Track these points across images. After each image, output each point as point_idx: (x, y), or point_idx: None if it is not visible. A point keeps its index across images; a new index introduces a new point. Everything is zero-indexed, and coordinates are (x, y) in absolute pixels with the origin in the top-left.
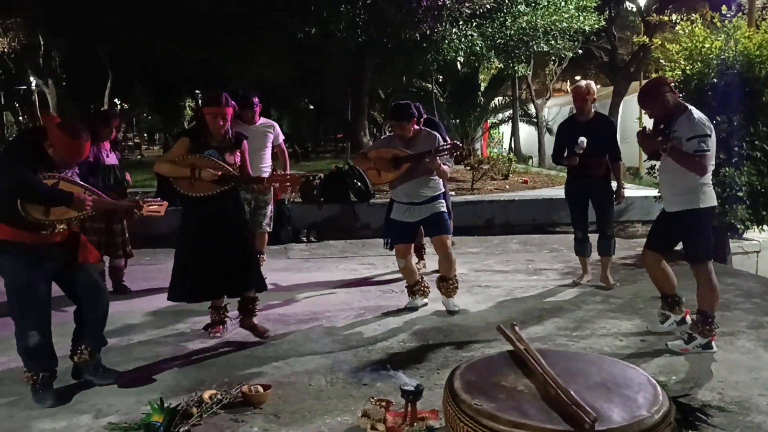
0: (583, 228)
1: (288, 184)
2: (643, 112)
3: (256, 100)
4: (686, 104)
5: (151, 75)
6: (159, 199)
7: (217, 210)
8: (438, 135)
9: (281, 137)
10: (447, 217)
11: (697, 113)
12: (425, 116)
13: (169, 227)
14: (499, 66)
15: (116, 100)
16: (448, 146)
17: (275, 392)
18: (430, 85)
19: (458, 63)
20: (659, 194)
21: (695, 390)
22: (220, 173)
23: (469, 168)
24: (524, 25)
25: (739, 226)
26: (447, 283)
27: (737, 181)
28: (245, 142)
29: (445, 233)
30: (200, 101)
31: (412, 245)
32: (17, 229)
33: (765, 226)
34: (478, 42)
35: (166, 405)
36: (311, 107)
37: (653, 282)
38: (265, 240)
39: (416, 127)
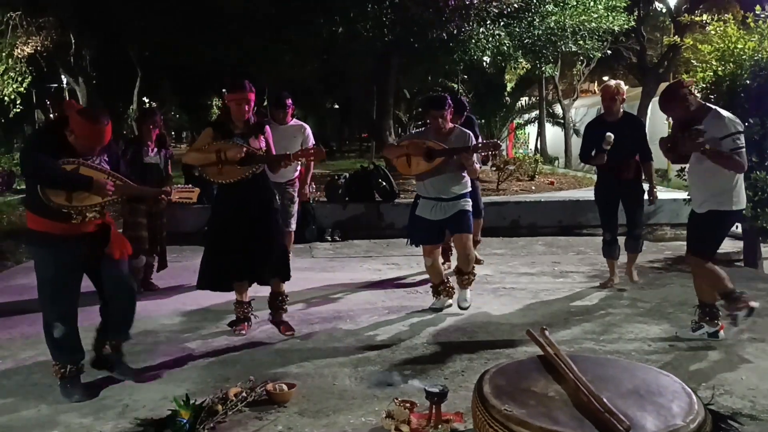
0: (612, 230)
1: (312, 157)
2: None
3: (289, 101)
4: (709, 105)
5: (180, 74)
6: (190, 186)
7: (247, 197)
8: (471, 135)
9: (311, 140)
10: (471, 216)
11: (724, 112)
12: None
13: (196, 225)
14: (526, 66)
15: (145, 98)
16: (489, 144)
17: (299, 391)
18: (455, 85)
19: (485, 63)
20: (689, 196)
21: (726, 397)
22: (245, 149)
23: (494, 169)
24: (552, 24)
25: None
26: (462, 276)
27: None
28: (267, 127)
29: (467, 232)
30: (225, 91)
31: (440, 246)
32: (46, 219)
33: None
34: (506, 42)
35: (191, 401)
36: (336, 107)
37: (699, 289)
38: (290, 239)
39: (450, 124)
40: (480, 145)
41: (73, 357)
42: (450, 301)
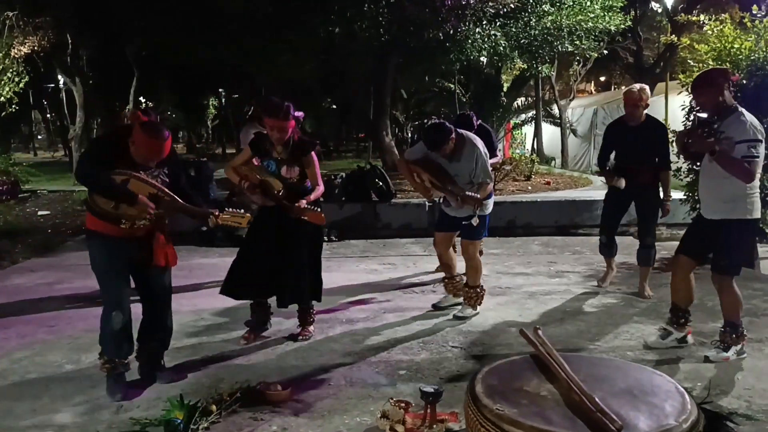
0: (609, 233)
1: (314, 221)
2: (693, 102)
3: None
4: (738, 105)
5: (177, 74)
6: (242, 210)
7: (278, 217)
8: (480, 150)
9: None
10: (485, 222)
11: (749, 116)
12: (478, 123)
13: (193, 224)
14: (522, 66)
15: (141, 98)
16: (474, 197)
17: (294, 391)
18: (452, 85)
19: (481, 63)
20: (697, 197)
21: (721, 397)
22: (257, 186)
23: (492, 169)
24: (549, 24)
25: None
26: (470, 291)
27: (766, 185)
28: (313, 153)
29: (473, 239)
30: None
31: (452, 237)
32: (98, 220)
33: None
34: (502, 42)
35: (186, 401)
36: (334, 107)
37: (673, 290)
38: None
39: (453, 143)
40: (465, 196)
41: (123, 351)
42: (456, 300)
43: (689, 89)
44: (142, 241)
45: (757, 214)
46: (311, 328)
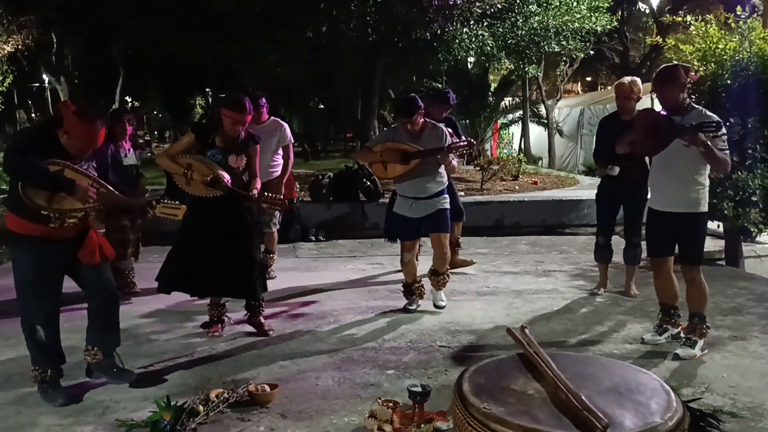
0: (607, 234)
1: (277, 208)
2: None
3: (263, 100)
4: (696, 105)
5: (163, 73)
6: (177, 202)
7: (217, 210)
8: (443, 128)
9: (288, 138)
10: (448, 215)
11: (709, 113)
12: (445, 116)
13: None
14: (509, 66)
15: (128, 97)
16: (463, 144)
17: (282, 391)
18: (440, 85)
19: (469, 63)
20: (655, 193)
21: (707, 395)
22: (209, 178)
23: (478, 168)
24: (535, 25)
25: (752, 230)
26: (438, 277)
27: (750, 184)
28: (258, 146)
29: (444, 231)
30: (221, 101)
31: (418, 241)
32: (26, 221)
33: None
34: (489, 42)
35: (172, 403)
36: (322, 106)
37: (659, 292)
38: (274, 239)
39: (420, 123)
40: (454, 145)
41: (54, 361)
42: (421, 301)
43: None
44: (73, 242)
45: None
46: (267, 322)
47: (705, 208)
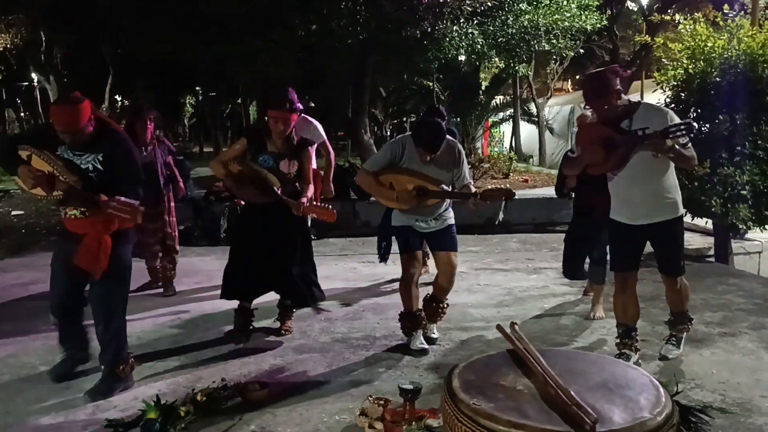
0: (572, 274)
1: (325, 218)
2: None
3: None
4: (637, 99)
5: (153, 72)
6: (137, 202)
7: (265, 218)
8: (459, 148)
9: (321, 135)
10: (455, 231)
11: (656, 105)
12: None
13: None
14: (500, 65)
15: (117, 96)
16: (498, 193)
17: (272, 390)
18: (431, 84)
19: (460, 61)
20: (626, 209)
21: (696, 391)
22: (264, 185)
23: (469, 167)
24: (526, 23)
25: (741, 227)
26: (437, 305)
27: (739, 180)
28: (310, 149)
29: (454, 249)
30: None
31: (421, 254)
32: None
33: (767, 227)
34: (479, 40)
35: (162, 402)
36: (312, 105)
37: (622, 312)
38: None
39: None
40: (488, 193)
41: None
42: (425, 344)
43: (662, 87)
44: (78, 242)
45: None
46: (290, 323)
47: (682, 209)
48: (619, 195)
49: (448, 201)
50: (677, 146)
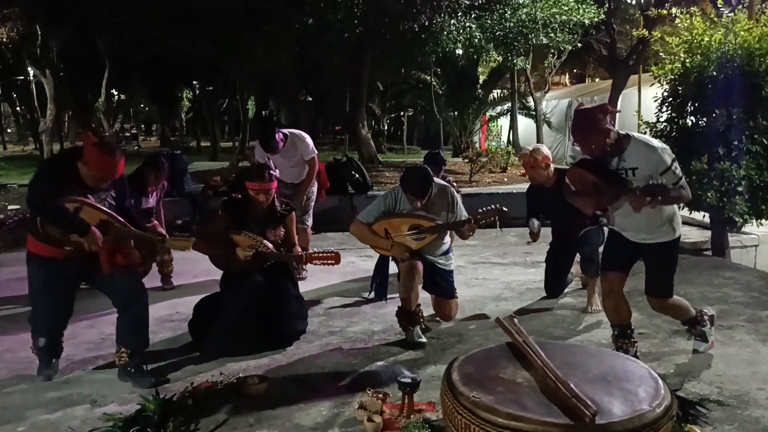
0: (555, 293)
1: (331, 262)
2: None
3: (279, 135)
4: (627, 132)
5: (149, 66)
6: (186, 234)
7: (257, 277)
8: (452, 191)
9: (311, 150)
10: (453, 277)
11: (651, 140)
12: (435, 152)
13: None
14: (498, 59)
15: (113, 90)
16: (492, 214)
17: (271, 383)
18: (428, 78)
19: (457, 55)
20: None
21: (693, 383)
22: (253, 252)
23: (467, 161)
24: (524, 17)
25: (737, 220)
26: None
27: (735, 174)
28: (293, 214)
29: (451, 297)
30: (244, 176)
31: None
32: (41, 243)
33: (764, 220)
34: (477, 34)
35: (161, 396)
36: (309, 99)
37: (614, 312)
38: (308, 236)
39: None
40: (482, 216)
41: (51, 360)
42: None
43: (659, 81)
44: (85, 258)
45: (680, 230)
46: None
47: (680, 231)
48: (616, 222)
49: (448, 244)
50: (661, 197)
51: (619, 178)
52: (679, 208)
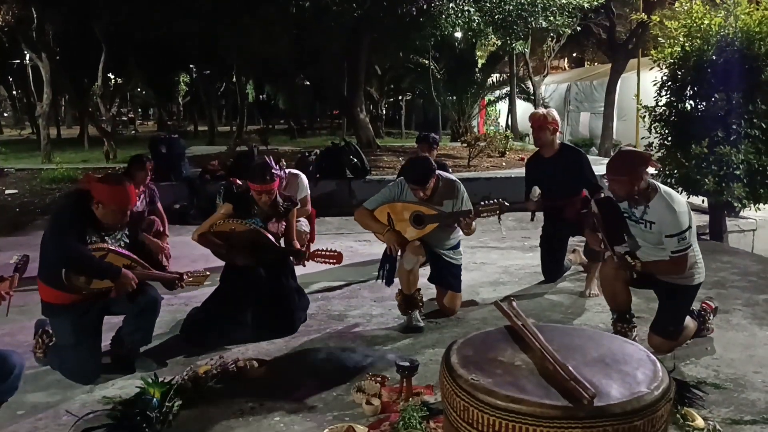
0: (553, 277)
1: (333, 261)
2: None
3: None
4: (657, 184)
5: (146, 50)
6: (203, 269)
7: (256, 271)
8: (458, 184)
9: (306, 189)
10: (460, 271)
11: (676, 200)
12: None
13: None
14: (496, 42)
15: (110, 74)
16: (494, 206)
17: (270, 367)
18: (427, 61)
19: (456, 39)
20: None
21: (690, 367)
22: (252, 247)
23: (465, 145)
24: (522, 0)
25: (735, 204)
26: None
27: (734, 159)
28: (295, 209)
29: (456, 290)
30: (247, 174)
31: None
32: (58, 292)
33: (762, 204)
34: (476, 17)
35: (160, 379)
36: (307, 83)
37: (613, 296)
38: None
39: (435, 179)
40: (484, 208)
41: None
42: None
43: (659, 65)
44: (105, 294)
45: (703, 278)
46: None
47: (700, 278)
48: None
49: (457, 237)
50: (654, 269)
51: (618, 236)
52: (680, 193)
